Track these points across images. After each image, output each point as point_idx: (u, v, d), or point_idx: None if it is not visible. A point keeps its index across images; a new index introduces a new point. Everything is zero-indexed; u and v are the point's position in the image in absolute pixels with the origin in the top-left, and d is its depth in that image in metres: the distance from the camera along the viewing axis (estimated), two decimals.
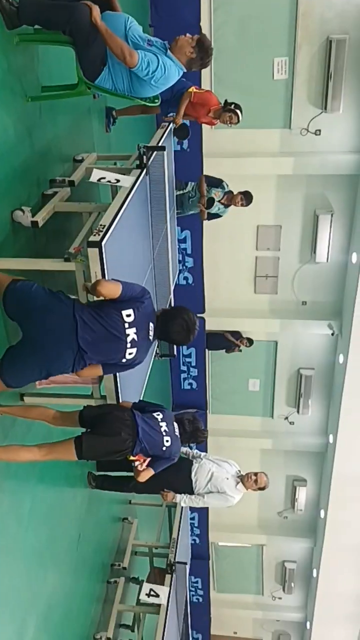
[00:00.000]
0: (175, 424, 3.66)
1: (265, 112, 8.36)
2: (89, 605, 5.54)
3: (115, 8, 3.70)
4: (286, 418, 10.83)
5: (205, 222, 7.57)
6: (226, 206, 6.65)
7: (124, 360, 3.02)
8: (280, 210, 9.20)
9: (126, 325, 2.90)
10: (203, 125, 6.90)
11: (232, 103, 5.86)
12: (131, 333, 2.92)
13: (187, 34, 3.76)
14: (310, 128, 8.39)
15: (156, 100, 4.12)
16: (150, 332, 3.06)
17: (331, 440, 10.28)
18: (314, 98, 8.25)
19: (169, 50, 3.72)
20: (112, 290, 2.87)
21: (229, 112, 5.83)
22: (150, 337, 3.09)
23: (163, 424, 3.50)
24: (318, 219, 8.90)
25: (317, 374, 10.28)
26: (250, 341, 9.64)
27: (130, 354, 3.00)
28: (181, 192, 6.53)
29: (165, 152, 4.46)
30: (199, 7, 7.20)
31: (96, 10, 3.39)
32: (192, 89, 5.72)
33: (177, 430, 3.61)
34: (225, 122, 5.91)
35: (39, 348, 2.81)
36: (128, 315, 2.90)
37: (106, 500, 6.13)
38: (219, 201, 6.57)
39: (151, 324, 3.06)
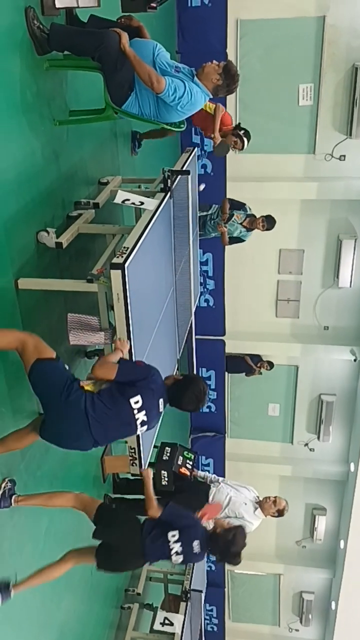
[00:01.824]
0: (197, 543, 3.48)
1: (289, 137, 8.40)
2: (102, 631, 5.45)
3: (144, 35, 3.77)
4: (306, 444, 10.66)
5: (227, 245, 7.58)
6: (248, 230, 6.65)
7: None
8: (303, 235, 9.18)
9: (135, 411, 3.03)
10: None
11: (243, 129, 5.87)
12: (141, 416, 3.06)
13: (214, 61, 3.81)
14: (335, 153, 8.40)
15: (182, 126, 4.17)
16: (160, 406, 3.18)
17: (352, 468, 10.06)
18: (338, 124, 8.28)
19: (195, 77, 3.76)
20: (105, 374, 3.02)
21: (236, 136, 5.84)
22: (161, 410, 3.22)
23: (175, 546, 3.43)
24: (341, 243, 8.86)
25: (339, 400, 10.12)
26: (270, 364, 9.56)
27: (142, 430, 3.16)
28: (204, 213, 6.56)
29: (189, 176, 4.49)
30: (226, 34, 7.30)
31: (125, 37, 3.46)
32: (208, 103, 5.65)
33: (196, 549, 3.48)
34: (229, 143, 5.89)
35: (60, 433, 3.02)
36: (136, 402, 3.01)
37: None
38: (240, 224, 6.58)
39: (161, 400, 3.18)
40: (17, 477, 3.50)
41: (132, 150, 5.72)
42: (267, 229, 6.56)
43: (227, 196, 7.15)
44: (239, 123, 5.94)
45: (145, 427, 3.14)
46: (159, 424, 4.13)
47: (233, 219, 6.52)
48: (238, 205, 6.61)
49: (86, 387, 2.96)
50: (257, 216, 6.57)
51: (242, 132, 5.87)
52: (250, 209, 6.65)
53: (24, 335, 2.89)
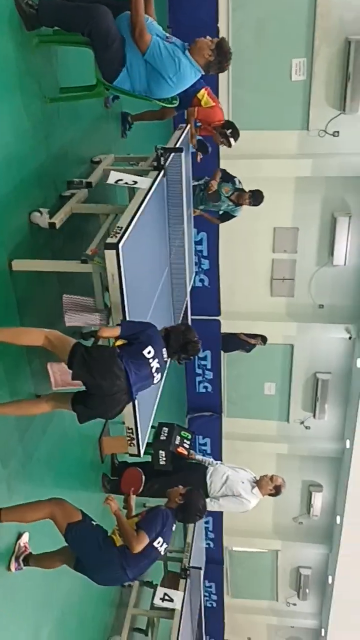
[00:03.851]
0: (164, 350, 3.40)
1: (282, 113, 8.30)
2: (103, 609, 5.52)
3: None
4: (302, 422, 10.74)
5: (222, 224, 7.50)
6: (236, 205, 6.56)
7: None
8: (298, 213, 9.13)
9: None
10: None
11: (230, 128, 5.66)
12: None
13: (208, 37, 3.72)
14: (329, 129, 8.32)
15: (174, 101, 4.09)
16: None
17: (348, 445, 10.17)
18: (332, 99, 8.18)
19: (187, 51, 3.68)
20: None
21: (223, 135, 5.70)
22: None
23: (154, 362, 3.27)
24: (336, 221, 8.82)
25: (334, 378, 10.17)
26: (264, 339, 9.48)
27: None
28: (194, 183, 6.43)
29: (182, 154, 4.43)
30: (217, 8, 7.17)
31: None
32: (204, 92, 5.42)
33: (165, 355, 3.42)
34: (216, 141, 5.84)
35: (98, 577, 3.61)
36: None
37: (120, 504, 6.08)
38: (227, 197, 6.49)
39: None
40: (15, 459, 3.50)
41: (122, 132, 5.61)
42: (254, 205, 6.47)
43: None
44: (227, 121, 5.72)
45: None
46: (157, 402, 4.14)
47: (222, 191, 6.43)
48: (227, 178, 6.52)
49: (115, 537, 3.57)
50: (246, 190, 6.48)
51: (230, 131, 5.66)
52: (240, 182, 6.55)
53: (50, 505, 3.37)
